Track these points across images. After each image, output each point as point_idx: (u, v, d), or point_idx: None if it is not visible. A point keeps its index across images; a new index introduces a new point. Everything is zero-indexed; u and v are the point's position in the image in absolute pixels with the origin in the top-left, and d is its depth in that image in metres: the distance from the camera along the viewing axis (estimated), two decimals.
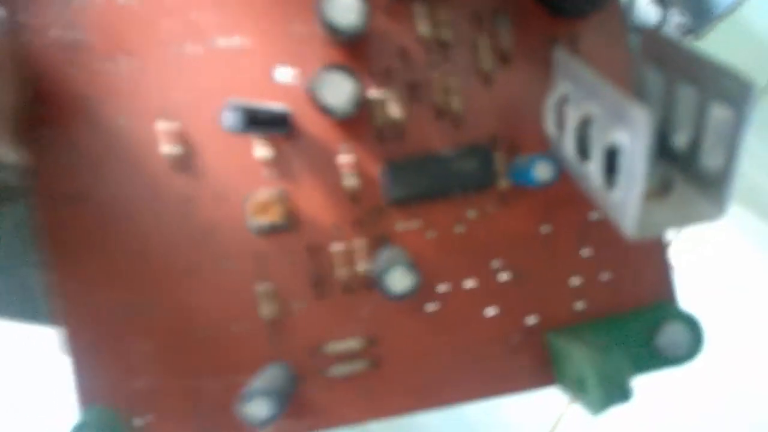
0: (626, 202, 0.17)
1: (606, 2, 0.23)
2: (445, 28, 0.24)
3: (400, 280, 0.21)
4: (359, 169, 0.24)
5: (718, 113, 0.17)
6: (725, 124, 0.17)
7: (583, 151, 0.20)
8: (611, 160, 0.18)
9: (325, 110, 0.22)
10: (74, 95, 0.23)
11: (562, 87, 0.20)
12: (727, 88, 0.16)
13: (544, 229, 0.24)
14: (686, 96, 0.18)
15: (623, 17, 0.24)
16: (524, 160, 0.22)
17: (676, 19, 0.57)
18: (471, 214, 0.24)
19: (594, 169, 0.18)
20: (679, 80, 0.18)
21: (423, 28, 0.24)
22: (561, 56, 0.20)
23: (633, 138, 0.16)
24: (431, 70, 0.24)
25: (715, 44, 0.58)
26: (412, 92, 0.24)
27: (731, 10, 0.55)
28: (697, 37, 0.56)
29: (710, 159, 0.18)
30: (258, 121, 0.21)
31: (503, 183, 0.24)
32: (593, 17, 0.24)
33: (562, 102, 0.20)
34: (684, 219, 0.18)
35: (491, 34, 0.24)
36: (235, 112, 0.20)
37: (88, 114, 0.23)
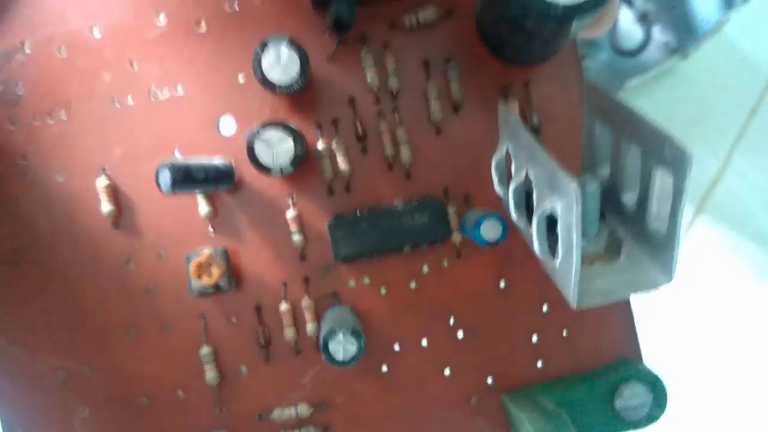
0: (565, 271, 0.16)
1: (559, 49, 0.22)
2: (394, 77, 0.23)
3: (343, 347, 0.20)
4: (307, 225, 0.23)
5: (661, 178, 0.16)
6: (668, 189, 0.16)
7: (529, 212, 0.19)
8: (554, 225, 0.17)
9: (262, 170, 0.21)
10: (9, 152, 0.23)
11: (505, 146, 0.19)
12: (665, 153, 0.15)
13: (501, 284, 0.23)
14: (632, 155, 0.17)
15: (579, 63, 0.23)
16: (472, 218, 0.21)
17: (661, 39, 0.56)
18: (425, 269, 0.23)
19: (534, 234, 0.17)
20: (624, 138, 0.17)
21: (371, 76, 0.23)
22: (502, 113, 0.19)
23: (565, 208, 0.15)
24: (380, 121, 0.23)
25: (702, 64, 0.57)
26: (360, 143, 0.23)
27: (716, 28, 0.54)
28: (683, 56, 0.55)
29: (656, 222, 0.17)
30: (195, 179, 0.21)
31: (457, 237, 0.23)
32: (546, 64, 0.23)
33: (507, 161, 0.20)
34: (630, 286, 0.17)
35: (442, 83, 0.23)
36: (166, 173, 0.19)
37: (24, 171, 0.23)
